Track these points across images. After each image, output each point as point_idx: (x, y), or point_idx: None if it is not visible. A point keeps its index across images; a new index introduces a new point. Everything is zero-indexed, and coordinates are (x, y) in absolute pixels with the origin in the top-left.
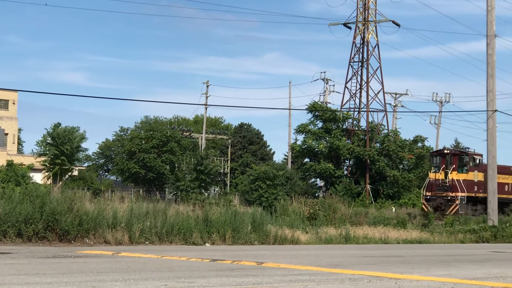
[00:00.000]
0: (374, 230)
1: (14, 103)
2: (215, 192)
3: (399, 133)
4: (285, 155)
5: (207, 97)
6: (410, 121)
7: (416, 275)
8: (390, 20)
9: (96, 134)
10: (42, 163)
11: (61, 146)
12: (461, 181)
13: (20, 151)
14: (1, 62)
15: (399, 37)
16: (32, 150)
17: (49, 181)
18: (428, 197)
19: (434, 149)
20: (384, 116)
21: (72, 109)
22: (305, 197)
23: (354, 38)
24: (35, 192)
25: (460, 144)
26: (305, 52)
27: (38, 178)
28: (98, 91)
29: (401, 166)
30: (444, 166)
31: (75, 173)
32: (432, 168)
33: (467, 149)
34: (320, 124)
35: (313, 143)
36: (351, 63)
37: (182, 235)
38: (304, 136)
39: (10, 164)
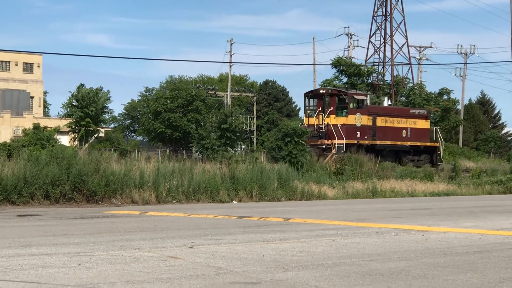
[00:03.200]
0: (401, 184)
1: (39, 66)
2: (242, 149)
3: (424, 86)
4: None
5: (231, 55)
6: (435, 74)
7: (443, 227)
8: None
9: (122, 95)
10: (67, 125)
11: (86, 108)
12: (339, 126)
13: (46, 114)
14: (25, 25)
15: None
16: (58, 113)
17: (76, 143)
18: None
19: (460, 102)
20: (409, 69)
21: (97, 71)
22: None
23: None
24: (61, 154)
25: (486, 96)
26: (329, 8)
27: (64, 140)
28: (122, 52)
29: None
30: (320, 109)
31: (102, 134)
32: (308, 111)
33: (346, 88)
34: (345, 79)
35: None
36: (375, 17)
37: (209, 193)
38: None
39: (36, 127)
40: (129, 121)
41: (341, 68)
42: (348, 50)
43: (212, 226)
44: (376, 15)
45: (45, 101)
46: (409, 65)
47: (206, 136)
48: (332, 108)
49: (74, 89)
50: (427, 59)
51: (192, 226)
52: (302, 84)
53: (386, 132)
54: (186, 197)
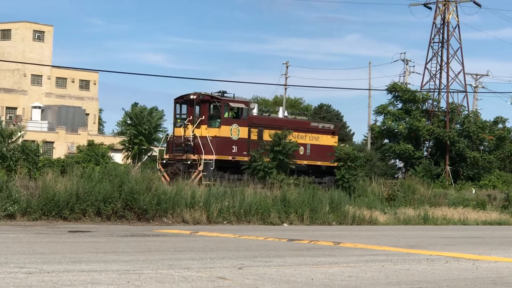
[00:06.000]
0: (453, 211)
1: (95, 84)
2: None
3: (479, 114)
4: (365, 136)
5: (286, 78)
6: (491, 102)
7: (495, 256)
8: (471, 0)
9: None
10: (121, 143)
11: (139, 126)
12: (209, 138)
13: (100, 131)
14: (83, 43)
15: (480, 18)
16: (113, 130)
17: (129, 161)
18: (165, 161)
19: None
20: (464, 97)
21: (153, 90)
22: (384, 178)
23: (435, 18)
24: (114, 172)
25: None
26: (386, 33)
27: (118, 158)
28: (178, 72)
29: (482, 148)
30: (191, 118)
31: (155, 153)
32: (178, 121)
33: (222, 93)
34: (399, 105)
35: (393, 124)
36: (431, 44)
37: (260, 215)
38: (383, 117)
39: (90, 144)
40: None
41: (396, 94)
42: (403, 76)
43: (262, 248)
44: (432, 41)
45: (100, 118)
46: (465, 93)
47: (258, 158)
48: (203, 117)
49: (129, 107)
50: (483, 87)
51: (242, 247)
52: (357, 108)
53: None
54: (237, 218)
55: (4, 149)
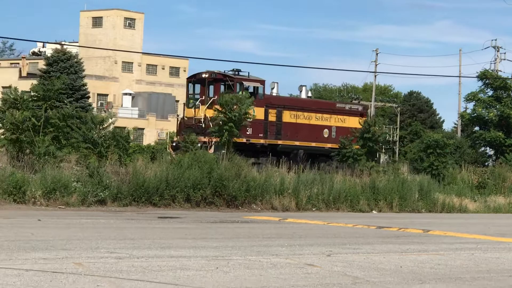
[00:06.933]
0: None
1: (185, 71)
2: (384, 160)
3: None
4: (455, 124)
5: (376, 65)
6: None
7: None
8: None
9: None
10: (210, 130)
11: (229, 113)
12: None
13: None
14: (173, 31)
15: None
16: None
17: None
18: (175, 143)
19: None
20: None
21: None
22: (474, 165)
23: None
24: (203, 158)
25: None
26: (477, 20)
27: None
28: (268, 59)
29: None
30: (203, 98)
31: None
32: (191, 101)
33: (236, 72)
34: (490, 92)
35: (483, 111)
36: None
37: (349, 202)
38: (474, 104)
39: None
40: None
41: (487, 81)
42: (494, 63)
43: (351, 235)
44: None
45: None
46: None
47: (347, 145)
48: (216, 97)
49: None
50: None
51: (331, 234)
52: (447, 96)
53: (298, 130)
54: (326, 205)
55: (95, 135)
